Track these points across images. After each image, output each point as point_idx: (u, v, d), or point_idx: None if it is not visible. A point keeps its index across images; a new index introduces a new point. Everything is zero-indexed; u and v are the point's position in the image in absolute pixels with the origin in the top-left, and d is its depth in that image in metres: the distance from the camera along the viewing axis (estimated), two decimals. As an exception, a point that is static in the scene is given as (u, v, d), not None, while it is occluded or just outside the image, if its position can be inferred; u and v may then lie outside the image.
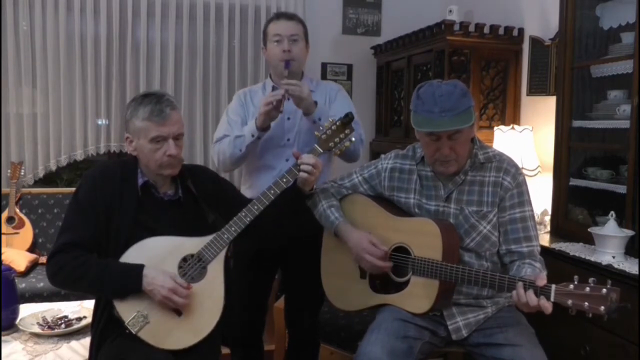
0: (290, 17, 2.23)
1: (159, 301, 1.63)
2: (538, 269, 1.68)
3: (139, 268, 1.64)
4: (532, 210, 1.80)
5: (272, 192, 1.78)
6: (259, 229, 1.81)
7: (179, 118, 1.74)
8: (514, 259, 1.76)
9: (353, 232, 1.86)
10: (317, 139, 1.88)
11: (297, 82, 2.08)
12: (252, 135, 2.09)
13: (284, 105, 2.03)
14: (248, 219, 1.75)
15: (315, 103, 2.09)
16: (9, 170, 3.32)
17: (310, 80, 2.32)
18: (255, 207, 1.76)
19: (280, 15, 2.23)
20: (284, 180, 1.80)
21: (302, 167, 1.80)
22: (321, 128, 1.90)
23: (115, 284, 1.64)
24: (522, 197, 1.78)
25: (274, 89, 2.25)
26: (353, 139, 1.91)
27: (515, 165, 1.82)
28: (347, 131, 1.87)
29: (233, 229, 1.74)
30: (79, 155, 3.56)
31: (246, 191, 2.30)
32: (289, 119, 2.18)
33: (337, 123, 1.87)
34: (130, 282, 1.63)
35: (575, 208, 2.42)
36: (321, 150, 1.86)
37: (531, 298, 1.49)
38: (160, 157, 1.71)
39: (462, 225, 1.78)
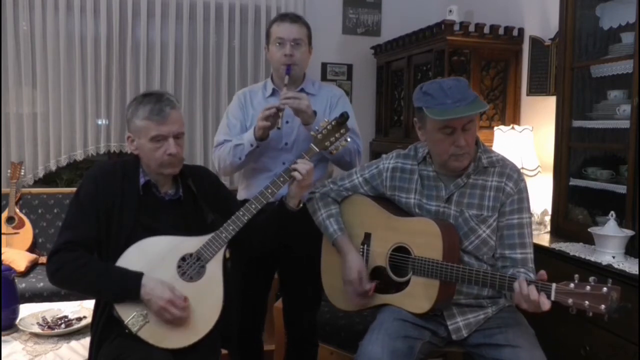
0: (295, 19, 2.19)
1: (156, 312, 1.63)
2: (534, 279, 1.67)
3: (138, 276, 1.63)
4: (530, 218, 1.80)
5: (269, 191, 1.78)
6: (248, 240, 1.83)
7: (179, 117, 1.75)
8: (506, 265, 1.76)
9: (348, 254, 1.87)
10: (313, 138, 1.88)
11: (296, 94, 2.07)
12: (251, 145, 2.10)
13: (281, 123, 2.04)
14: (246, 217, 1.75)
15: (315, 113, 2.08)
16: (9, 170, 3.32)
17: (313, 83, 2.31)
18: (253, 206, 1.76)
19: (284, 17, 2.20)
20: (281, 179, 1.80)
21: (294, 170, 1.79)
22: (317, 128, 1.90)
23: (113, 289, 1.64)
24: (521, 203, 1.78)
25: (274, 91, 2.25)
26: (349, 138, 1.91)
27: (517, 171, 1.82)
28: (342, 130, 1.88)
29: (231, 227, 1.74)
30: (79, 155, 3.56)
31: (242, 192, 2.30)
32: (287, 122, 2.17)
33: (333, 123, 1.87)
34: (129, 289, 1.63)
35: (575, 208, 2.42)
36: (317, 150, 1.86)
37: (533, 292, 1.49)
38: (160, 156, 1.71)
39: (461, 228, 1.78)
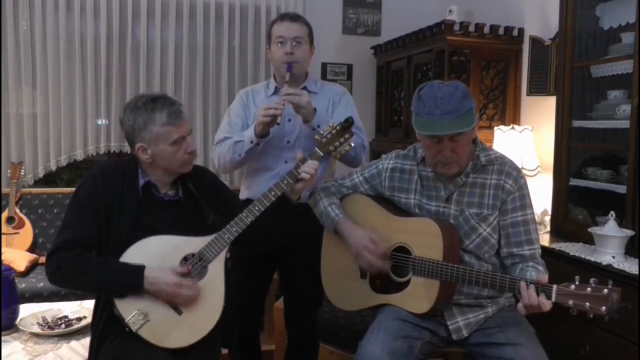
0: (295, 18, 2.21)
1: (167, 299, 1.63)
2: (542, 272, 1.68)
3: (140, 269, 1.63)
4: (533, 214, 1.80)
5: (272, 193, 1.79)
6: (249, 241, 1.84)
7: (186, 116, 1.79)
8: (515, 262, 1.76)
9: (354, 228, 1.86)
10: (317, 142, 1.89)
11: (297, 90, 2.08)
12: (251, 142, 2.10)
13: (281, 118, 2.04)
14: (249, 219, 1.75)
15: (315, 110, 2.09)
16: (9, 170, 3.32)
17: (315, 82, 2.31)
18: (256, 207, 1.76)
19: (284, 17, 2.22)
20: (285, 182, 1.81)
21: (302, 172, 1.80)
22: (321, 132, 1.91)
23: (115, 284, 1.64)
24: (523, 200, 1.78)
25: (276, 90, 2.25)
26: (352, 143, 1.92)
27: (516, 169, 1.82)
28: (346, 135, 1.89)
29: (234, 229, 1.74)
30: (79, 155, 3.56)
31: (245, 191, 2.30)
32: (289, 120, 2.18)
33: (337, 127, 1.89)
34: (131, 283, 1.63)
35: (575, 208, 2.42)
36: (321, 154, 1.87)
37: (531, 295, 1.49)
38: (181, 157, 1.73)
39: (462, 227, 1.78)
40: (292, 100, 2.03)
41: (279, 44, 2.17)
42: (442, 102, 1.65)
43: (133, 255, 1.67)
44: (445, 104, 1.64)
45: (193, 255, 1.72)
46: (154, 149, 1.71)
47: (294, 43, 2.15)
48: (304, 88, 2.22)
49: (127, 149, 3.59)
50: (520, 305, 1.54)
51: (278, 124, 2.05)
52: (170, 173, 1.77)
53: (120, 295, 1.65)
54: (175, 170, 1.77)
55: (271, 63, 2.36)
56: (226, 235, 1.73)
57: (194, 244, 1.73)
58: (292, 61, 2.15)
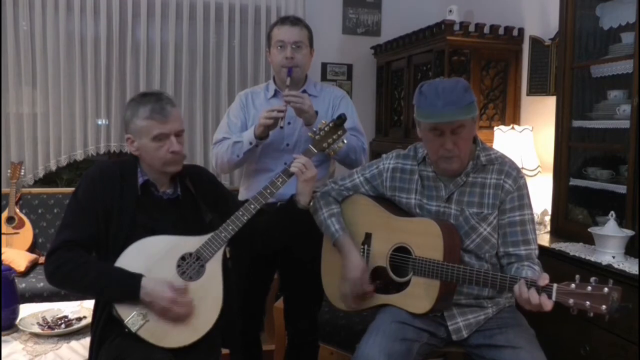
0: (295, 22, 2.21)
1: (159, 312, 1.63)
2: (537, 272, 1.68)
3: (138, 277, 1.63)
4: (531, 214, 1.80)
5: (268, 191, 1.79)
6: (251, 238, 1.83)
7: (178, 115, 1.76)
8: (511, 261, 1.76)
9: (350, 254, 1.86)
10: (311, 139, 1.89)
11: (299, 94, 2.08)
12: (250, 143, 2.10)
13: (284, 122, 2.04)
14: (245, 217, 1.75)
15: (316, 113, 2.09)
16: (9, 170, 3.32)
17: (315, 85, 2.31)
18: (252, 206, 1.77)
19: (284, 20, 2.22)
20: (279, 179, 1.81)
21: (293, 166, 1.80)
22: (314, 129, 1.91)
23: (112, 291, 1.64)
24: (522, 200, 1.78)
25: (276, 92, 2.25)
26: (345, 140, 1.92)
27: (516, 168, 1.82)
28: (339, 132, 1.89)
29: (230, 227, 1.74)
30: (79, 155, 3.56)
31: (244, 192, 2.31)
32: (289, 123, 2.18)
33: (330, 124, 1.89)
34: (128, 291, 1.62)
35: (575, 208, 2.42)
36: (315, 151, 1.87)
37: (533, 296, 1.49)
38: (163, 155, 1.72)
39: (462, 227, 1.78)
40: (295, 103, 2.03)
41: (279, 48, 2.17)
42: (444, 94, 1.65)
43: (131, 255, 1.67)
44: (447, 95, 1.65)
45: (190, 254, 1.72)
46: (138, 142, 1.73)
47: (294, 47, 2.16)
48: (304, 91, 2.23)
49: (127, 148, 3.58)
50: (516, 291, 1.53)
51: (282, 127, 2.06)
52: (157, 171, 1.76)
53: (116, 301, 1.65)
54: (158, 169, 1.75)
55: (271, 65, 2.37)
56: (223, 234, 1.73)
57: (191, 243, 1.73)
58: (292, 66, 2.15)
